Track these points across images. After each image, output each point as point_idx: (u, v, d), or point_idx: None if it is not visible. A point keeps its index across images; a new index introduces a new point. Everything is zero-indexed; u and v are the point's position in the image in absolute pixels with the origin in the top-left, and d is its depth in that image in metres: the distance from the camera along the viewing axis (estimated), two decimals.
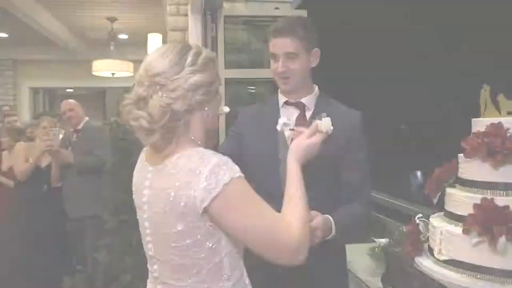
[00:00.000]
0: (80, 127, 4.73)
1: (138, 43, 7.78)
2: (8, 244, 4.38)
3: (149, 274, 1.54)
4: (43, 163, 4.52)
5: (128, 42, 9.19)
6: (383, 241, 2.30)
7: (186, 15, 4.25)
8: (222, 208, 1.27)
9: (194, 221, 1.31)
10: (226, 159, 1.31)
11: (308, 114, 2.02)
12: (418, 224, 1.80)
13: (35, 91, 10.93)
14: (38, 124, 4.60)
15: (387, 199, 4.07)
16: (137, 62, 8.03)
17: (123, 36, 8.85)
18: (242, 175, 1.32)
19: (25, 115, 10.05)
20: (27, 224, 4.40)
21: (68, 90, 13.05)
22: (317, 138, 1.71)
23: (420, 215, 1.88)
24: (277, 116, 2.00)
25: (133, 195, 1.52)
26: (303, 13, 4.09)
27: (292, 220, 1.35)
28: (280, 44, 1.92)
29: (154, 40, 6.59)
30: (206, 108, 1.40)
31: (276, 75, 1.99)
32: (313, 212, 1.74)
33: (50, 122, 4.55)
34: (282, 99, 2.06)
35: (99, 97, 13.65)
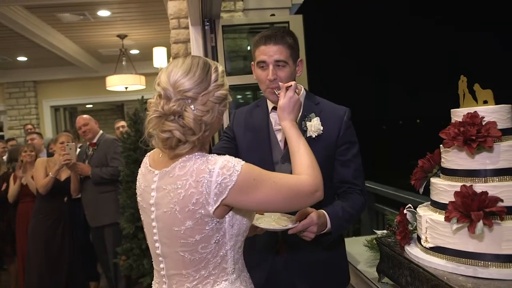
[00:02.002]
0: (95, 140, 4.79)
1: (148, 57, 7.87)
2: (34, 256, 4.45)
3: (155, 274, 1.56)
4: (63, 177, 4.58)
5: (139, 57, 9.29)
6: (381, 232, 2.29)
7: (187, 27, 4.27)
8: (241, 193, 1.33)
9: (203, 218, 1.34)
10: (229, 156, 1.37)
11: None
12: (406, 214, 1.79)
13: (56, 109, 11.08)
14: (56, 140, 4.69)
15: (392, 191, 4.06)
16: (147, 76, 8.13)
17: (134, 51, 8.94)
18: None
19: (48, 132, 10.23)
20: (51, 235, 4.47)
21: (87, 106, 13.21)
22: (290, 93, 1.71)
23: (409, 205, 1.87)
24: (268, 120, 1.99)
25: (138, 198, 1.54)
26: (299, 17, 4.10)
27: (301, 171, 1.46)
28: (271, 52, 1.87)
29: (159, 53, 6.66)
30: (221, 117, 1.49)
31: (263, 84, 1.93)
32: (307, 209, 1.74)
33: (67, 138, 4.64)
34: (270, 104, 2.03)
35: (118, 110, 13.81)
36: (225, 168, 1.31)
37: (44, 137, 7.25)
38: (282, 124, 1.66)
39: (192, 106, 1.36)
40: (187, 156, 1.38)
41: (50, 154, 5.94)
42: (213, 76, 1.41)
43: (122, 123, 6.60)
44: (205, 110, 1.37)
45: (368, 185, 4.64)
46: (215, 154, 1.38)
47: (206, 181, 1.31)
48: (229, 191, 1.31)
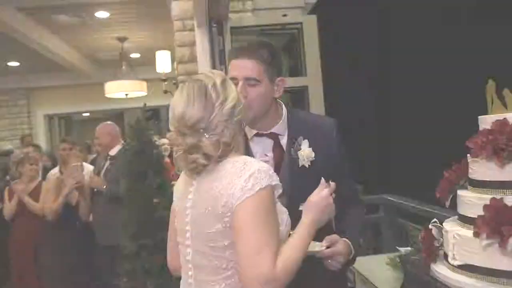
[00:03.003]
0: (113, 153, 4.79)
1: (150, 61, 7.95)
2: (45, 283, 4.49)
3: (182, 283, 1.67)
4: (74, 201, 4.62)
5: (140, 61, 9.38)
6: (404, 250, 2.31)
7: (192, 30, 4.34)
8: (249, 209, 1.43)
9: (229, 222, 1.46)
10: (267, 167, 1.50)
11: (283, 140, 1.99)
12: (431, 230, 1.81)
13: (50, 118, 11.19)
14: (66, 162, 4.69)
15: (416, 205, 4.07)
16: (149, 81, 8.19)
17: (134, 55, 9.04)
18: (279, 183, 1.52)
19: (41, 143, 10.31)
20: (62, 262, 4.50)
21: (84, 114, 13.34)
22: (326, 192, 1.69)
23: (435, 220, 1.89)
24: (248, 153, 1.93)
25: (174, 203, 1.72)
26: (313, 18, 4.15)
27: (281, 259, 1.42)
28: (240, 67, 1.85)
29: (162, 57, 6.72)
30: (243, 122, 1.63)
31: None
32: (334, 236, 1.83)
33: (76, 159, 4.67)
34: (250, 131, 1.99)
35: (117, 119, 13.92)
36: (253, 177, 1.44)
37: (41, 149, 7.35)
38: (303, 218, 1.63)
39: (206, 134, 1.51)
40: (228, 159, 1.53)
41: (43, 168, 6.00)
42: (214, 96, 1.52)
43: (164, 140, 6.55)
44: (220, 131, 1.51)
45: (389, 198, 4.65)
46: (258, 162, 1.53)
47: (235, 184, 1.45)
48: (245, 199, 1.43)
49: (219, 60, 3.90)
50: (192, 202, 1.58)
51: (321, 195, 1.68)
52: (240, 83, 1.83)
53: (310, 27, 4.07)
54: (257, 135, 1.99)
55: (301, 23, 4.06)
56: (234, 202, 1.44)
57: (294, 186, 1.92)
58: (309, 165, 1.92)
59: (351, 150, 2.26)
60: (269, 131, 1.99)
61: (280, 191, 1.55)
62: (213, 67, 3.85)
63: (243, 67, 1.85)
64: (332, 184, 1.71)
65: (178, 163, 1.57)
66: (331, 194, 1.70)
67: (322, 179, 1.72)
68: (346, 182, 2.00)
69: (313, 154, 1.91)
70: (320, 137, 1.95)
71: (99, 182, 4.62)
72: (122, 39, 7.91)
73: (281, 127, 1.99)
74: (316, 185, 1.70)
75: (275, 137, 1.99)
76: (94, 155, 7.86)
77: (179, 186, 1.71)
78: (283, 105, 2.05)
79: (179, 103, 1.53)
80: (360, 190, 5.21)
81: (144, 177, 4.18)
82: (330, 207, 1.68)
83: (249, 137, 1.99)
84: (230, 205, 1.45)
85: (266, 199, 1.45)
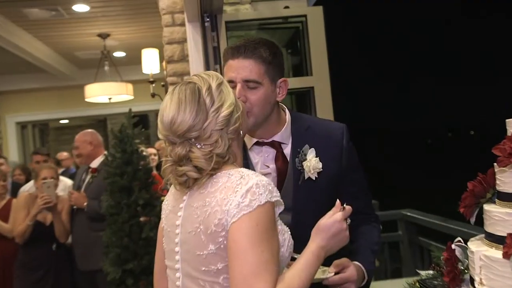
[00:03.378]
0: (95, 165, 4.80)
1: (135, 61, 7.96)
2: None
3: None
4: (48, 220, 4.59)
5: (125, 60, 9.40)
6: (425, 273, 2.29)
7: (183, 24, 4.35)
8: (246, 228, 1.42)
9: (224, 242, 1.46)
10: (267, 181, 1.50)
11: (287, 150, 2.00)
12: (454, 250, 1.80)
13: (23, 126, 11.19)
14: (37, 176, 4.66)
15: (439, 222, 4.06)
16: (136, 83, 8.19)
17: (118, 54, 9.06)
18: (280, 199, 1.52)
19: (13, 155, 10.30)
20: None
21: (62, 121, 13.34)
22: (339, 216, 1.66)
23: (459, 239, 1.88)
24: (247, 163, 1.96)
25: (163, 221, 1.72)
26: (319, 9, 4.16)
27: (280, 286, 1.41)
28: (238, 68, 1.87)
29: (149, 56, 6.74)
30: (241, 131, 1.64)
31: None
32: (344, 260, 1.84)
33: (49, 172, 4.62)
34: (249, 138, 2.01)
35: (99, 127, 13.95)
36: (250, 192, 1.45)
37: (9, 161, 7.33)
38: (310, 242, 1.62)
39: (198, 144, 1.52)
40: (223, 171, 1.54)
41: (14, 184, 6.00)
42: (208, 101, 1.54)
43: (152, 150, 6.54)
44: (213, 141, 1.53)
45: (409, 214, 4.65)
46: (257, 175, 1.51)
47: (230, 200, 1.45)
48: (241, 217, 1.43)
49: (213, 58, 3.91)
50: (182, 220, 1.58)
51: (333, 219, 1.65)
52: (238, 86, 1.85)
53: (316, 20, 4.07)
54: (257, 144, 2.01)
55: (305, 15, 4.06)
56: (229, 220, 1.44)
57: (299, 201, 1.95)
58: (316, 178, 1.94)
59: (364, 159, 2.26)
60: (270, 139, 2.00)
61: (282, 208, 1.55)
62: (207, 67, 3.86)
63: (241, 68, 1.86)
64: (348, 207, 1.69)
65: (167, 175, 1.58)
66: (345, 219, 1.67)
67: (338, 201, 1.69)
68: (359, 196, 2.02)
69: (320, 165, 1.92)
70: (328, 145, 1.97)
71: (79, 199, 4.60)
72: (104, 36, 7.92)
73: (284, 135, 2.01)
74: (324, 200, 1.73)
75: (277, 146, 2.00)
76: (63, 169, 7.88)
77: (168, 202, 1.72)
78: (286, 110, 2.07)
79: (168, 108, 1.54)
80: (375, 205, 5.23)
81: (129, 192, 4.19)
82: (342, 234, 1.66)
83: (248, 146, 2.01)
84: (224, 223, 1.45)
85: (265, 217, 1.45)
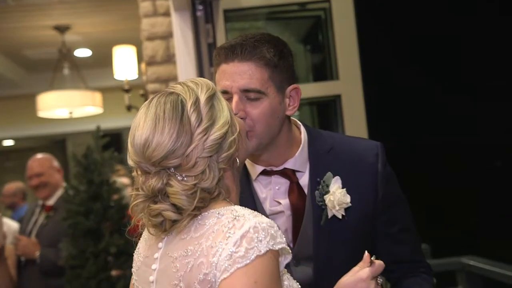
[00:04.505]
0: (52, 201, 4.83)
1: (105, 62, 8.00)
2: None
3: None
4: None
5: (91, 62, 9.44)
6: None
7: (168, 14, 4.39)
8: (240, 286, 1.40)
9: None
10: (268, 223, 1.47)
11: (303, 179, 2.01)
12: None
13: None
14: None
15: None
16: (105, 92, 8.20)
17: (82, 53, 9.09)
18: (286, 246, 1.48)
19: None
20: None
21: (5, 143, 13.37)
22: (364, 274, 1.66)
23: None
24: (251, 197, 2.00)
25: (134, 277, 1.74)
26: None
27: None
28: (235, 74, 1.87)
29: (124, 56, 6.73)
30: (237, 158, 1.63)
31: None
32: None
33: None
34: (253, 166, 2.03)
35: (56, 150, 13.96)
36: (246, 239, 1.42)
37: None
38: None
39: (178, 175, 1.51)
40: (210, 210, 1.53)
41: None
42: (193, 118, 1.53)
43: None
44: (198, 172, 1.51)
45: (471, 263, 4.66)
46: (256, 214, 1.49)
47: (220, 249, 1.43)
48: (235, 271, 1.40)
49: (208, 59, 3.90)
50: (158, 275, 1.58)
51: (358, 277, 1.67)
52: (235, 98, 1.85)
53: (343, 6, 4.11)
54: (264, 173, 2.01)
55: (329, 1, 4.09)
56: (218, 276, 1.42)
57: (322, 248, 1.95)
58: (343, 216, 1.92)
59: (409, 190, 2.28)
60: (281, 167, 2.00)
61: (289, 257, 1.52)
62: (199, 70, 3.85)
63: (238, 73, 1.87)
64: (378, 262, 1.68)
65: (137, 215, 1.58)
66: (375, 278, 1.67)
67: (366, 253, 1.69)
68: (402, 238, 2.01)
69: (348, 199, 1.90)
70: (358, 172, 1.97)
71: (29, 247, 4.62)
72: (62, 29, 7.94)
73: (299, 160, 2.01)
74: (355, 245, 1.75)
75: (290, 175, 2.00)
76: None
77: (140, 251, 1.73)
78: (302, 127, 2.07)
79: (142, 127, 1.54)
80: (427, 251, 5.21)
81: (98, 237, 4.22)
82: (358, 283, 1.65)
83: (253, 176, 2.03)
84: (212, 279, 1.44)
85: (267, 271, 1.43)
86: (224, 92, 1.85)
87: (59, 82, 8.46)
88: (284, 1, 4.22)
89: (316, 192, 1.94)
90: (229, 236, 1.43)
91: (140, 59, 5.95)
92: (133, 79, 6.80)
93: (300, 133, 2.05)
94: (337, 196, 1.89)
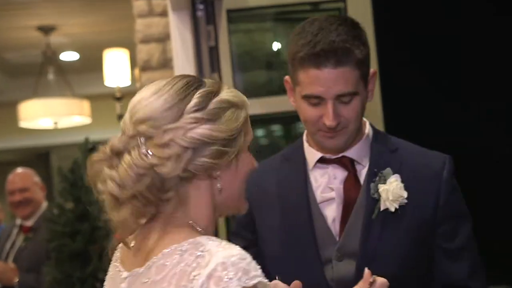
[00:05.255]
0: (31, 222, 4.84)
1: (94, 67, 8.01)
2: None
3: None
4: None
5: (79, 66, 9.45)
6: None
7: (165, 14, 4.39)
8: None
9: None
10: (240, 255, 1.38)
11: (362, 171, 2.04)
12: None
13: None
14: None
15: None
16: (95, 99, 8.23)
17: (68, 56, 9.10)
18: (262, 279, 1.38)
19: None
20: None
21: None
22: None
23: None
24: (305, 185, 2.03)
25: None
26: None
27: None
28: (330, 80, 1.89)
29: (115, 60, 6.73)
30: (217, 178, 1.53)
31: (313, 125, 1.97)
32: None
33: None
34: (313, 153, 2.06)
35: (39, 164, 13.95)
36: (214, 279, 1.34)
37: None
38: None
39: (144, 147, 1.45)
40: (170, 248, 1.43)
41: None
42: (194, 102, 1.48)
43: None
44: (164, 155, 1.43)
45: None
46: (226, 246, 1.40)
47: None
48: None
49: (209, 64, 3.90)
50: None
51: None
52: (330, 105, 1.89)
53: (360, 6, 4.11)
54: (321, 161, 2.05)
55: (344, 0, 4.09)
56: None
57: (369, 244, 1.95)
58: (396, 209, 1.92)
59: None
60: (340, 155, 2.03)
61: None
62: (200, 76, 3.86)
63: (333, 80, 1.89)
64: (380, 281, 1.64)
65: (91, 176, 1.54)
66: None
67: (366, 270, 1.65)
68: (460, 257, 1.99)
69: (404, 194, 1.91)
70: (422, 175, 1.99)
71: (6, 273, 4.62)
72: (47, 30, 7.95)
73: (360, 151, 2.06)
74: (408, 246, 1.76)
75: (348, 164, 2.04)
76: None
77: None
78: (367, 122, 2.12)
79: (144, 91, 1.55)
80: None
81: (85, 261, 4.21)
82: None
83: (310, 164, 2.07)
84: None
85: None
86: (316, 97, 1.90)
87: (43, 89, 8.46)
88: (296, 0, 4.22)
89: (372, 184, 1.96)
90: (194, 277, 1.35)
91: (133, 63, 5.96)
92: (125, 86, 6.83)
93: (365, 126, 2.08)
94: (392, 187, 1.91)
